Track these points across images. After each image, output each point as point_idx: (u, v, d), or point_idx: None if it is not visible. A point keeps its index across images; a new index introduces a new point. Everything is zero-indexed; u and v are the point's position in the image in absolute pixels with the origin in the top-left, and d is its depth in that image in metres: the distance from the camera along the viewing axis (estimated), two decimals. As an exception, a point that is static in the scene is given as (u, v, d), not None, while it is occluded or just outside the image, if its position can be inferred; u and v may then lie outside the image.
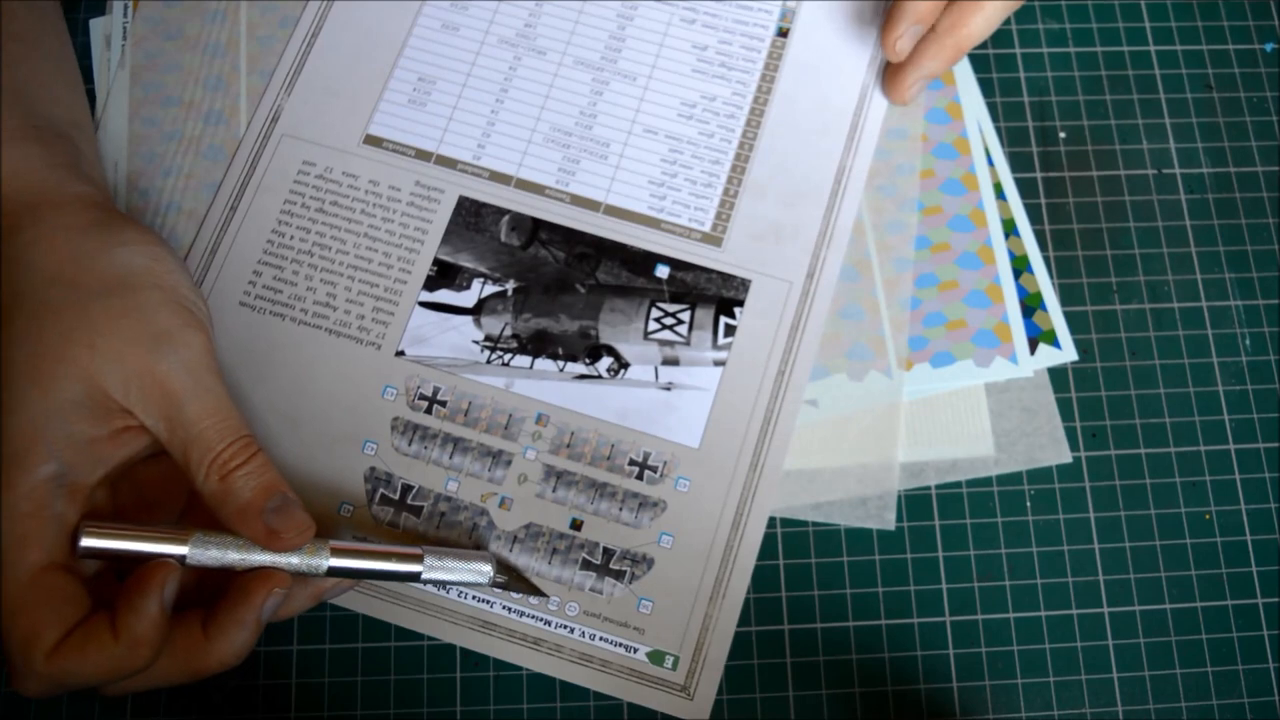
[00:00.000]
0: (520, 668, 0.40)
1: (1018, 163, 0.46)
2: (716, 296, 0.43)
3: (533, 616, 0.39)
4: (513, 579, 0.39)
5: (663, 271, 0.43)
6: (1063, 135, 0.47)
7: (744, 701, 0.40)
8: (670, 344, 0.42)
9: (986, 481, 0.42)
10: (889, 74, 0.45)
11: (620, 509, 0.40)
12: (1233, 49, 0.48)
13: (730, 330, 0.42)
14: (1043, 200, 0.46)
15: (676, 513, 0.40)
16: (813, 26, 0.47)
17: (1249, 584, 0.41)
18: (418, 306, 0.43)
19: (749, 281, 0.43)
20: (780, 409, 0.41)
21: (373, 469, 0.41)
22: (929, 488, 0.42)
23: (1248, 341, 0.44)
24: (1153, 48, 0.48)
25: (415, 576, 0.37)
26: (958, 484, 0.42)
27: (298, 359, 0.42)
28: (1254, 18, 0.49)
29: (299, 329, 0.43)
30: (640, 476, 0.41)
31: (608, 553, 0.40)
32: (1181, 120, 0.47)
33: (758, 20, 0.47)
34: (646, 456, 0.41)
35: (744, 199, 0.44)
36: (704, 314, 0.43)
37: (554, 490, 0.41)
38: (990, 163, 0.46)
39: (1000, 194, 0.46)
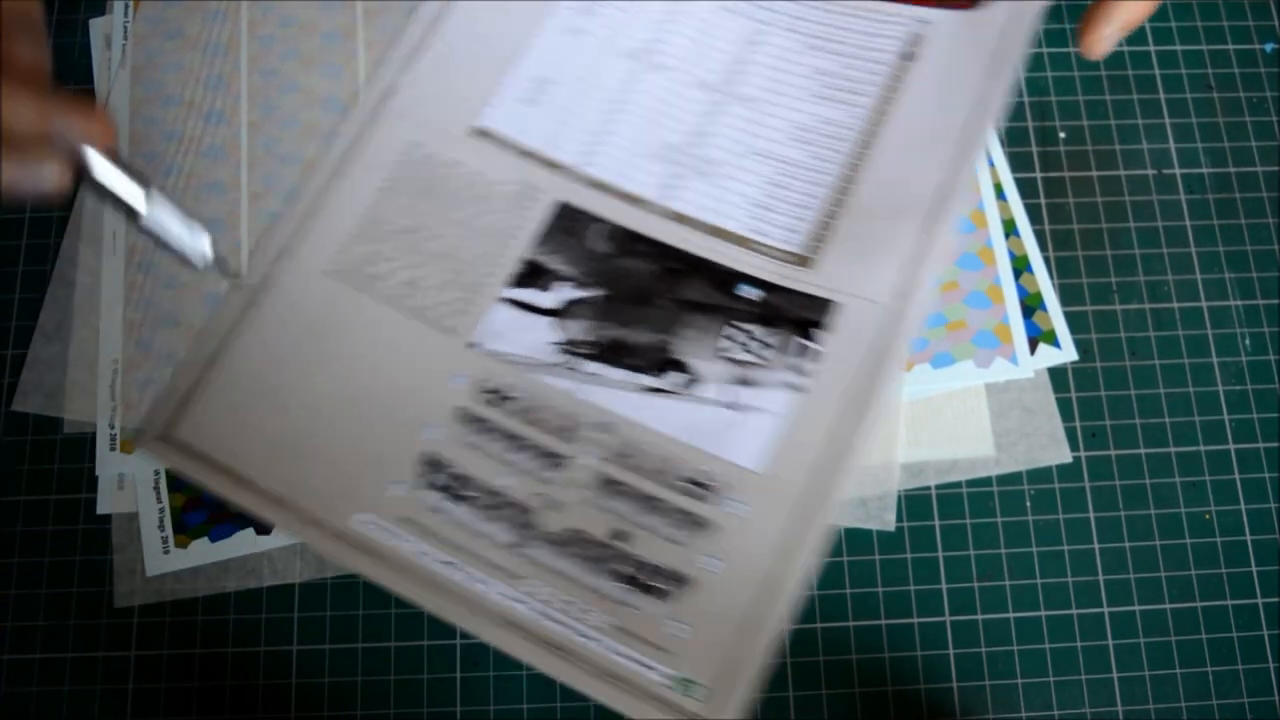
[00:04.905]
0: (522, 669, 0.40)
1: (1018, 163, 0.46)
2: (797, 318, 0.41)
3: (561, 623, 0.38)
4: (231, 270, 0.38)
5: (747, 291, 0.42)
6: (1063, 135, 0.47)
7: (744, 701, 0.40)
8: (744, 364, 0.41)
9: (986, 481, 0.42)
10: (1085, 25, 0.40)
11: (669, 526, 0.39)
12: (1233, 49, 0.48)
13: (809, 353, 0.41)
14: (1043, 200, 0.46)
15: (727, 537, 0.38)
16: (939, 50, 0.45)
17: (1249, 584, 0.41)
18: (499, 302, 0.42)
19: (835, 304, 0.41)
20: (850, 438, 0.39)
21: (428, 454, 0.40)
22: (929, 488, 0.42)
23: (1248, 341, 0.44)
24: (1153, 48, 0.48)
25: (134, 214, 0.35)
26: (958, 484, 0.42)
27: (373, 335, 0.42)
28: (1254, 18, 0.49)
29: (378, 306, 0.42)
30: (694, 495, 0.39)
31: (649, 569, 0.38)
32: (1181, 120, 0.47)
33: (883, 46, 0.45)
34: (704, 476, 0.39)
35: (843, 220, 0.43)
36: (783, 336, 0.41)
37: (604, 499, 0.39)
38: (990, 163, 0.46)
39: (1000, 194, 0.45)
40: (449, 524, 0.39)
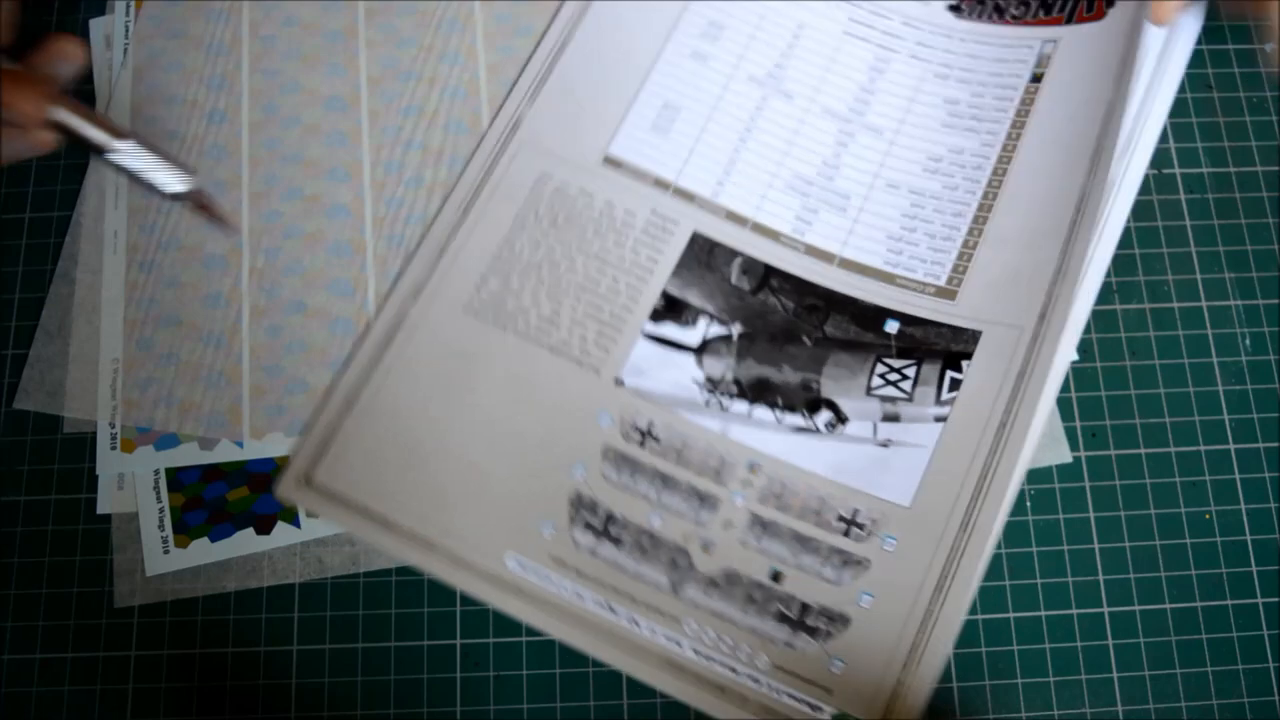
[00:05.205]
0: (522, 669, 0.40)
1: (1018, 163, 0.46)
2: (944, 350, 0.41)
3: (722, 664, 0.38)
4: (206, 208, 0.39)
5: (892, 327, 0.41)
6: (1063, 136, 0.47)
7: (744, 701, 0.40)
8: (893, 400, 0.40)
9: (987, 481, 0.42)
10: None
11: (823, 565, 0.39)
12: (1233, 49, 0.48)
13: (955, 384, 0.40)
14: (1043, 200, 0.46)
15: (879, 572, 0.38)
16: (1067, 67, 0.44)
17: (1249, 584, 0.41)
18: (641, 338, 0.42)
19: (979, 333, 0.41)
20: (998, 465, 0.39)
21: (579, 494, 0.40)
22: (929, 487, 0.42)
23: (1248, 341, 0.44)
24: (1153, 48, 0.48)
25: (104, 150, 0.37)
26: (958, 484, 0.42)
27: (516, 373, 0.41)
28: (1254, 18, 0.49)
29: (520, 343, 0.42)
30: (847, 534, 0.39)
31: (805, 608, 0.38)
32: (1181, 120, 0.47)
33: (1013, 71, 0.45)
34: (855, 513, 0.39)
35: (983, 249, 0.42)
36: (930, 369, 0.41)
37: (758, 540, 0.39)
38: (990, 163, 0.46)
39: (1000, 194, 0.46)
40: (603, 565, 0.39)
